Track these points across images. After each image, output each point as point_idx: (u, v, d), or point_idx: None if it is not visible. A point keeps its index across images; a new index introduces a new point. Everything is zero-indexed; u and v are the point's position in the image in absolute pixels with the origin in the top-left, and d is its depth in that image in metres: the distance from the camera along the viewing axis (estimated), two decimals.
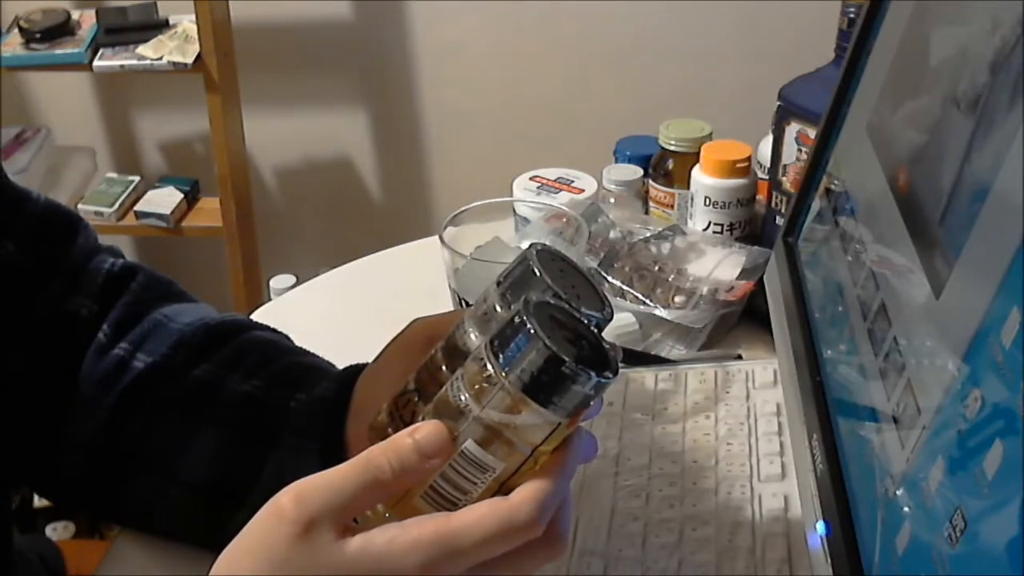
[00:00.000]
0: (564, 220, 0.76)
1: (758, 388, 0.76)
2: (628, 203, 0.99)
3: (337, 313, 0.97)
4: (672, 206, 0.98)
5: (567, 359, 0.41)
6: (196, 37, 1.70)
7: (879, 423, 0.51)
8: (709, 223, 0.93)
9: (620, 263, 0.89)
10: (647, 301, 0.86)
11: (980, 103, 0.46)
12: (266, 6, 1.86)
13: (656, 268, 0.88)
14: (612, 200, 0.99)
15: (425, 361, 0.49)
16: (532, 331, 0.41)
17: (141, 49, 1.71)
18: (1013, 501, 0.35)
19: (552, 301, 0.44)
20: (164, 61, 1.70)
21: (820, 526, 0.53)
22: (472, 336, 0.47)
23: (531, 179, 1.00)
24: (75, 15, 1.77)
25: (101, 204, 1.83)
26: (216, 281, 1.88)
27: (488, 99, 1.93)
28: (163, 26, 1.75)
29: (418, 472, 0.43)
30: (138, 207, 1.84)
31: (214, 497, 0.62)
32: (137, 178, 1.89)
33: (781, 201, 0.90)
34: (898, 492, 0.46)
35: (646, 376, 0.78)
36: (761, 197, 0.94)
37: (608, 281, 0.88)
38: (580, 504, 0.66)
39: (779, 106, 0.87)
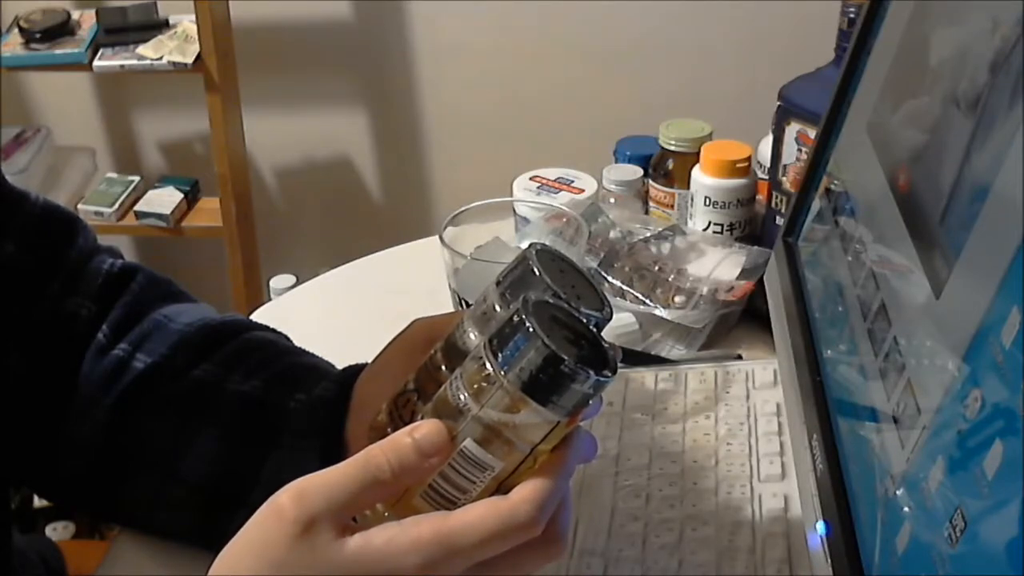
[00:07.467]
0: (564, 220, 0.76)
1: (758, 388, 0.75)
2: (628, 203, 0.99)
3: (337, 313, 0.97)
4: (672, 206, 0.98)
5: (566, 358, 0.41)
6: (196, 37, 1.70)
7: (879, 423, 0.51)
8: (709, 223, 0.93)
9: (620, 263, 0.89)
10: (647, 301, 0.86)
11: (980, 103, 0.46)
12: (266, 6, 1.86)
13: (656, 268, 0.88)
14: (612, 200, 0.99)
15: (425, 361, 0.49)
16: (531, 330, 0.41)
17: (141, 49, 1.72)
18: (1013, 501, 0.35)
19: (551, 300, 0.44)
20: (164, 61, 1.70)
21: (820, 526, 0.53)
22: (472, 336, 0.47)
23: (531, 179, 1.00)
24: (75, 15, 1.77)
25: (101, 204, 1.83)
26: (216, 281, 1.88)
27: (488, 99, 1.93)
28: (163, 26, 1.75)
29: (417, 471, 0.43)
30: (138, 207, 1.85)
31: (214, 497, 0.62)
32: (137, 178, 1.89)
33: (781, 201, 0.90)
34: (898, 492, 0.46)
35: (646, 376, 0.78)
36: (761, 197, 0.94)
37: (608, 281, 0.88)
38: (580, 504, 0.66)
39: (779, 106, 0.87)
